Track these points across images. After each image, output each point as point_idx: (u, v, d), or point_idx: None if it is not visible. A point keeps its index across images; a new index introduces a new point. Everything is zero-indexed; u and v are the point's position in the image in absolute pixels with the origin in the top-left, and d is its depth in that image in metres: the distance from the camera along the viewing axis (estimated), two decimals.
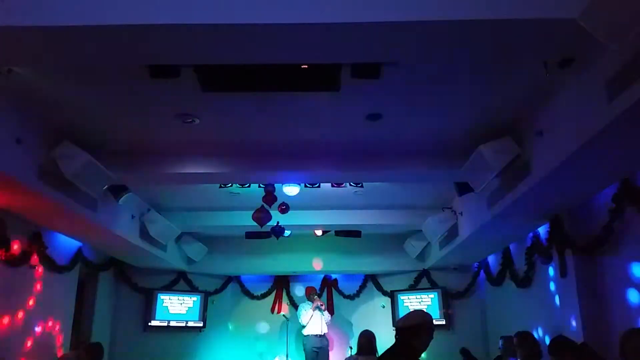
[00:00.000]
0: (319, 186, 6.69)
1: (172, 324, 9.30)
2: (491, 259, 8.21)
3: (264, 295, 9.96)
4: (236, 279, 10.06)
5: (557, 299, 5.81)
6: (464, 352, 7.42)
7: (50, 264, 6.38)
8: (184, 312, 9.40)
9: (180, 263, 9.24)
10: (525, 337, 6.14)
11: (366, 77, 3.77)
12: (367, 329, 5.71)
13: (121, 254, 8.31)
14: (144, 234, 7.39)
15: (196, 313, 9.46)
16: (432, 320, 3.06)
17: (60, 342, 6.82)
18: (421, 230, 8.05)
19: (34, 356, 6.07)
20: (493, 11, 2.89)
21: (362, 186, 6.82)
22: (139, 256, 8.17)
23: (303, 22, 2.93)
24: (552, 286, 5.99)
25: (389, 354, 3.06)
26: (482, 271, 8.59)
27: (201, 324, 9.47)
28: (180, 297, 9.44)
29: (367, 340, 5.38)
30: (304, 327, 8.99)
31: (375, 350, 5.29)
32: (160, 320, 9.20)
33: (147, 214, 7.41)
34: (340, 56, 3.46)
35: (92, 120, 4.79)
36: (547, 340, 5.38)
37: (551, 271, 5.97)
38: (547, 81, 3.83)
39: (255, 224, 6.71)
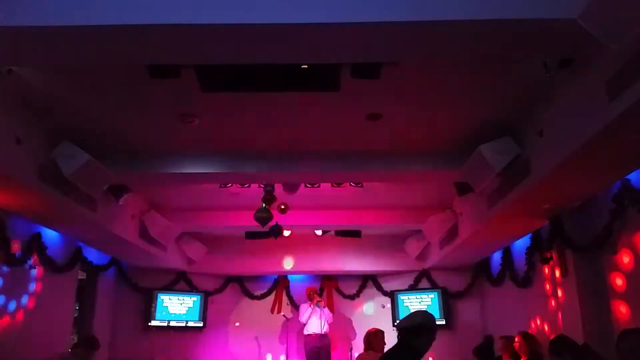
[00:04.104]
0: (319, 186, 6.69)
1: (172, 324, 9.30)
2: (491, 259, 8.22)
3: (264, 295, 9.97)
4: (236, 279, 10.06)
5: (557, 299, 5.81)
6: (488, 338, 7.55)
7: (50, 264, 6.38)
8: (184, 312, 9.40)
9: (180, 263, 9.24)
10: (525, 337, 6.16)
11: (366, 77, 3.77)
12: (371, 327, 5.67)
13: (121, 254, 8.31)
14: (144, 234, 7.39)
15: (196, 313, 9.46)
16: (435, 321, 3.05)
17: (61, 342, 6.81)
18: (421, 230, 8.05)
19: (34, 356, 6.06)
20: (493, 11, 2.89)
21: (362, 186, 6.82)
22: (139, 256, 8.17)
23: (303, 22, 2.93)
24: (552, 286, 5.99)
25: (390, 354, 3.06)
26: (482, 271, 8.59)
27: (201, 324, 9.48)
28: (180, 297, 9.44)
29: (366, 337, 5.36)
30: (304, 326, 9.00)
31: (374, 347, 5.26)
32: (160, 320, 9.20)
33: (147, 214, 7.42)
34: (340, 56, 3.46)
35: (92, 120, 4.79)
36: (548, 340, 5.38)
37: (551, 271, 5.96)
38: (547, 81, 3.83)
39: (255, 223, 6.71)
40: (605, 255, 4.93)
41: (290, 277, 10.04)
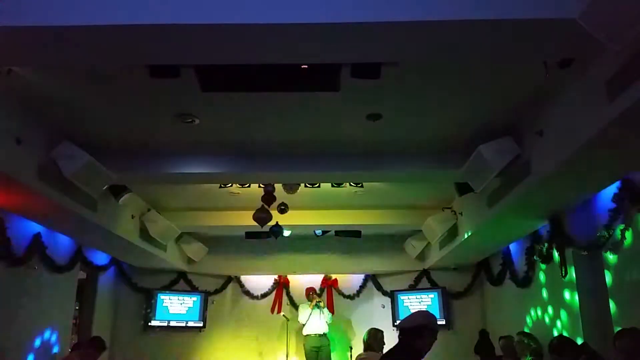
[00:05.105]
0: (319, 186, 6.69)
1: (172, 324, 9.30)
2: (491, 258, 8.22)
3: (264, 295, 9.96)
4: (236, 279, 10.06)
5: (557, 299, 5.82)
6: (483, 332, 7.58)
7: (50, 264, 6.38)
8: (184, 312, 9.40)
9: (180, 263, 9.25)
10: (525, 337, 6.16)
11: (366, 77, 3.76)
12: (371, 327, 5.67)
13: (121, 254, 8.31)
14: (144, 234, 7.39)
15: (196, 313, 9.46)
16: (436, 322, 3.05)
17: (61, 342, 6.82)
18: (421, 230, 8.05)
19: (34, 356, 6.06)
20: (493, 11, 2.89)
21: (362, 186, 6.82)
22: (139, 256, 8.17)
23: (303, 22, 2.93)
24: (552, 286, 6.00)
25: (391, 354, 3.05)
26: (482, 271, 8.59)
27: (201, 324, 9.48)
28: (180, 297, 9.44)
29: (368, 337, 5.35)
30: (304, 326, 9.00)
31: (373, 347, 5.25)
32: (160, 320, 9.20)
33: (147, 214, 7.42)
34: (340, 56, 3.45)
35: (92, 120, 4.79)
36: (548, 340, 5.38)
37: (551, 271, 5.97)
38: (547, 81, 3.83)
39: (255, 223, 6.71)
40: (605, 255, 4.93)
41: (290, 277, 10.04)
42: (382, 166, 5.56)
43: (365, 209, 7.91)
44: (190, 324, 9.42)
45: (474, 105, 4.54)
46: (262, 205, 6.55)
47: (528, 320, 6.70)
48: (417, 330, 2.91)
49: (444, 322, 8.87)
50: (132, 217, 7.10)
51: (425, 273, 9.44)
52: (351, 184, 6.71)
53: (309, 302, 9.09)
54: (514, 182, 4.96)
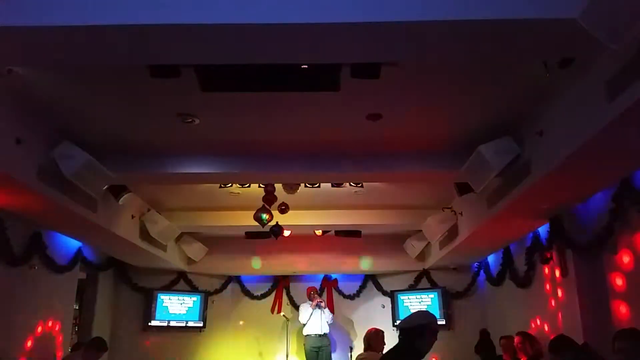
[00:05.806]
0: (319, 186, 6.69)
1: (172, 324, 9.31)
2: (491, 259, 8.22)
3: (264, 295, 9.97)
4: (236, 279, 10.07)
5: (557, 299, 5.82)
6: (483, 332, 7.59)
7: (50, 264, 6.37)
8: (184, 312, 9.41)
9: (180, 263, 9.25)
10: (525, 337, 6.17)
11: (366, 77, 3.76)
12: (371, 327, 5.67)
13: (121, 254, 8.31)
14: (144, 234, 7.39)
15: (196, 313, 9.47)
16: (437, 322, 3.06)
17: (60, 342, 6.82)
18: (421, 230, 8.05)
19: (34, 356, 6.06)
20: (493, 11, 2.89)
21: (362, 186, 6.82)
22: (139, 256, 8.17)
23: (303, 22, 2.93)
24: (552, 286, 5.99)
25: (392, 354, 3.06)
26: (482, 271, 8.59)
27: (201, 324, 9.48)
28: (180, 297, 9.44)
29: (368, 337, 5.36)
30: (304, 326, 9.00)
31: (373, 347, 5.25)
32: (160, 320, 9.21)
33: (147, 214, 7.42)
34: (340, 56, 3.45)
35: (92, 120, 4.79)
36: (548, 340, 5.38)
37: (551, 271, 5.96)
38: (547, 81, 3.83)
39: (255, 223, 6.71)
40: (605, 255, 4.93)
41: (290, 277, 10.04)
42: (382, 166, 5.55)
43: (365, 209, 7.91)
44: (190, 324, 9.43)
45: (474, 105, 4.54)
46: (263, 205, 6.56)
47: (528, 320, 6.70)
48: (417, 330, 2.92)
49: (444, 322, 8.88)
50: (132, 217, 7.10)
51: (425, 273, 9.45)
52: (351, 184, 6.71)
53: (310, 302, 9.09)
54: (514, 182, 4.96)
